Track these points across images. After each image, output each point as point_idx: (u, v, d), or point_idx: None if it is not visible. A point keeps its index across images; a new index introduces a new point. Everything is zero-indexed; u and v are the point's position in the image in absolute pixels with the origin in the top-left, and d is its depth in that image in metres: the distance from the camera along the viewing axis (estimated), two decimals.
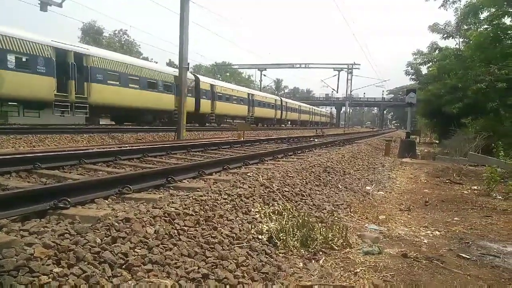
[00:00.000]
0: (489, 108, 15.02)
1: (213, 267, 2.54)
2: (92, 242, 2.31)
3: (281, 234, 3.38)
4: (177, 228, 2.89)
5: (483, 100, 15.48)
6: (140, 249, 2.44)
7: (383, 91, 77.48)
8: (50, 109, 15.40)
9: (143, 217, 2.81)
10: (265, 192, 4.47)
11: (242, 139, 13.74)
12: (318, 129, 34.82)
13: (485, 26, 13.95)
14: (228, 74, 74.77)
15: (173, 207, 3.17)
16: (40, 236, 2.39)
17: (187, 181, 5.03)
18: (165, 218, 2.93)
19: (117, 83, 18.37)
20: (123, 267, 2.23)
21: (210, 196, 3.75)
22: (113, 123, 21.90)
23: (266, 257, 2.97)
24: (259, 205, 4.02)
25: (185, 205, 3.31)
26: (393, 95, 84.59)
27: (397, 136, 30.46)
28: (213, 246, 2.82)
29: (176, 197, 3.71)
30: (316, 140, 16.41)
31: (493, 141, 11.71)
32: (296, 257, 3.16)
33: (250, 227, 3.43)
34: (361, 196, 6.07)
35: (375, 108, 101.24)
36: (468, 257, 3.44)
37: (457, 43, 19.46)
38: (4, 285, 1.83)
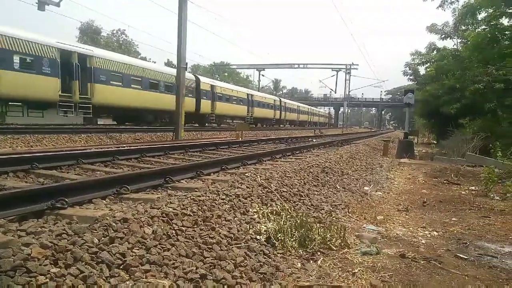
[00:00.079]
0: (486, 109, 15.06)
1: (211, 268, 2.54)
2: (89, 242, 2.30)
3: (279, 235, 3.38)
4: (175, 228, 2.88)
5: (480, 100, 15.52)
6: (138, 250, 2.44)
7: (381, 91, 77.68)
8: (53, 109, 15.64)
9: (141, 218, 2.80)
10: (263, 193, 4.47)
11: (240, 139, 13.73)
12: (316, 129, 34.86)
13: (483, 27, 13.98)
14: (226, 74, 74.74)
15: (171, 207, 3.17)
16: (37, 236, 2.37)
17: (185, 181, 5.02)
18: (163, 219, 2.93)
19: (120, 83, 18.67)
20: (121, 267, 2.22)
21: (208, 196, 3.75)
22: (115, 123, 22.05)
23: (264, 258, 2.97)
24: (257, 206, 4.02)
25: (183, 205, 3.30)
26: (391, 96, 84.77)
27: (395, 136, 30.49)
28: (211, 247, 2.82)
29: (174, 197, 3.71)
30: (314, 140, 16.42)
31: (491, 141, 11.75)
32: (294, 258, 3.16)
33: (248, 227, 3.43)
34: (359, 197, 6.08)
35: (373, 108, 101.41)
36: (465, 257, 3.44)
37: (455, 44, 19.50)
38: (1, 286, 1.82)
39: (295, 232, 3.48)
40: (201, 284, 2.32)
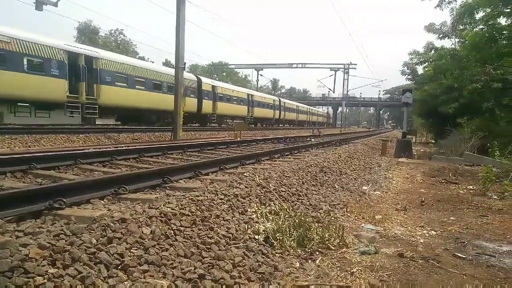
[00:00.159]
0: (484, 108, 15.10)
1: (209, 268, 2.54)
2: (87, 243, 2.30)
3: (278, 234, 3.38)
4: (174, 228, 2.88)
5: (478, 100, 15.57)
6: (136, 250, 2.43)
7: (379, 91, 77.84)
8: (60, 110, 15.98)
9: (139, 218, 2.80)
10: (261, 192, 4.47)
11: (239, 139, 13.73)
12: (315, 129, 34.90)
13: (481, 26, 14.01)
14: (224, 74, 74.68)
15: (169, 208, 3.16)
16: (35, 236, 2.37)
17: (184, 181, 5.02)
18: (161, 219, 2.93)
19: (125, 84, 19.15)
20: (119, 267, 2.21)
21: (207, 196, 3.74)
22: (119, 122, 22.34)
23: (263, 257, 2.97)
24: (255, 205, 4.02)
25: (182, 205, 3.30)
26: (389, 95, 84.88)
27: (394, 136, 30.57)
28: (209, 247, 2.81)
29: (172, 197, 3.70)
30: (312, 140, 16.43)
31: (489, 141, 11.75)
32: (293, 257, 3.16)
33: (246, 227, 3.43)
34: (358, 196, 6.08)
35: (372, 108, 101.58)
36: (464, 256, 3.45)
37: (452, 43, 19.56)
38: None
39: (293, 232, 3.48)
40: (199, 284, 2.32)
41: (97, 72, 17.32)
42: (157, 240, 2.63)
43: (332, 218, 4.44)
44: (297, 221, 3.67)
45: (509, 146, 9.93)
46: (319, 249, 3.37)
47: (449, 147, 14.57)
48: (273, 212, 3.98)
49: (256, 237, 3.31)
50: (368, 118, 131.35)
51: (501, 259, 3.46)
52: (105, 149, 7.80)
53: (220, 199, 3.81)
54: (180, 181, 4.96)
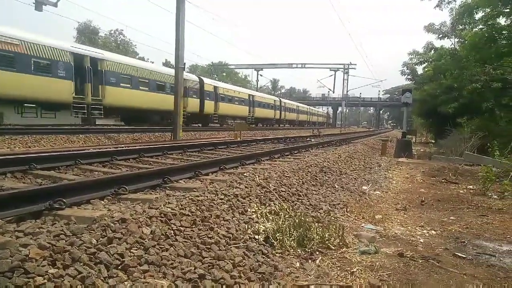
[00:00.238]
0: (484, 108, 15.11)
1: (209, 268, 2.54)
2: (87, 243, 2.30)
3: (278, 234, 3.38)
4: (174, 228, 2.88)
5: (478, 100, 15.58)
6: (136, 250, 2.43)
7: (379, 91, 77.83)
8: (65, 110, 16.31)
9: (139, 218, 2.80)
10: (261, 192, 4.47)
11: (239, 139, 13.72)
12: (315, 129, 34.89)
13: (480, 26, 14.02)
14: (224, 74, 74.65)
15: (169, 208, 3.16)
16: (35, 237, 2.37)
17: (184, 181, 5.02)
18: (162, 219, 2.93)
19: (129, 85, 19.51)
20: (119, 267, 2.22)
21: (207, 196, 3.74)
22: (122, 123, 22.55)
23: (263, 257, 2.97)
24: (255, 205, 4.02)
25: (182, 205, 3.30)
26: (389, 95, 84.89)
27: (393, 136, 30.56)
28: (209, 247, 2.81)
29: (173, 197, 3.71)
30: (312, 140, 16.43)
31: (488, 140, 11.77)
32: (293, 257, 3.16)
33: (246, 227, 3.43)
34: (358, 196, 6.08)
35: (371, 108, 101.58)
36: (464, 256, 3.45)
37: (452, 43, 19.56)
38: None
39: (293, 232, 3.48)
40: (199, 284, 2.32)
41: (102, 73, 17.65)
42: (157, 240, 2.63)
43: (332, 218, 4.44)
44: (297, 221, 3.67)
45: (509, 145, 9.94)
46: (319, 249, 3.37)
47: (449, 147, 14.58)
48: (273, 212, 3.98)
49: (256, 237, 3.31)
50: (368, 118, 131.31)
51: (501, 258, 3.46)
52: (105, 150, 7.80)
53: (220, 199, 3.81)
54: (180, 181, 4.96)
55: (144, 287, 2.10)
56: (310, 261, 3.13)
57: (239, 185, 4.45)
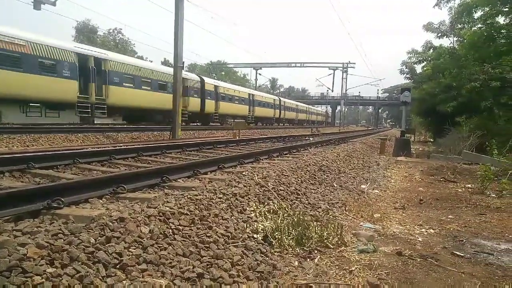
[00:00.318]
0: (483, 107, 15.13)
1: (208, 267, 2.54)
2: (86, 242, 2.29)
3: (276, 233, 3.39)
4: (172, 227, 2.88)
5: (477, 98, 15.60)
6: (134, 249, 2.43)
7: (378, 90, 77.90)
8: (70, 110, 16.71)
9: (137, 217, 2.80)
10: (260, 191, 4.47)
11: (237, 138, 13.72)
12: (313, 128, 34.91)
13: (479, 25, 14.03)
14: (223, 73, 74.59)
15: (168, 207, 3.16)
16: (33, 236, 2.36)
17: (182, 180, 5.01)
18: (160, 218, 2.92)
19: (132, 85, 19.78)
20: (117, 267, 2.21)
21: (205, 195, 3.74)
22: (122, 122, 22.55)
23: (261, 256, 2.97)
24: (254, 204, 4.02)
25: (180, 204, 3.30)
26: (388, 94, 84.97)
27: (392, 134, 30.59)
28: (208, 246, 2.81)
29: (171, 196, 3.70)
30: (311, 139, 16.43)
31: (487, 139, 11.80)
32: (291, 256, 3.16)
33: (245, 226, 3.43)
34: (356, 195, 6.09)
35: (370, 107, 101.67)
36: (462, 255, 3.46)
37: (451, 42, 19.58)
38: None
39: (292, 231, 3.48)
40: (198, 283, 2.31)
41: (106, 73, 17.94)
42: (155, 239, 2.63)
43: (331, 216, 4.44)
44: (295, 220, 3.67)
45: (507, 144, 9.96)
46: (318, 248, 3.37)
47: (448, 145, 14.61)
48: (271, 211, 3.98)
49: (255, 236, 3.31)
50: (367, 117, 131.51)
51: (499, 257, 3.46)
52: (103, 149, 7.79)
53: (219, 198, 3.81)
54: (178, 180, 4.95)
55: (142, 286, 2.10)
56: (308, 260, 3.13)
57: (238, 184, 4.45)
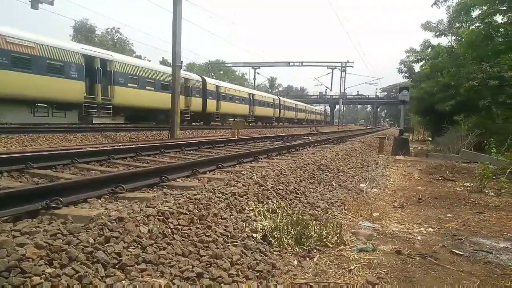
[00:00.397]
0: (481, 106, 15.15)
1: (207, 266, 2.53)
2: (85, 242, 2.29)
3: (276, 232, 3.38)
4: (171, 227, 2.87)
5: (475, 97, 15.63)
6: (133, 249, 2.43)
7: (376, 89, 77.95)
8: (76, 110, 17.20)
9: (136, 217, 2.79)
10: (259, 190, 4.47)
11: (236, 138, 13.71)
12: (312, 127, 34.92)
13: (477, 24, 14.03)
14: (221, 72, 74.54)
15: (166, 206, 3.15)
16: (32, 236, 2.36)
17: (181, 180, 5.01)
18: (159, 217, 2.92)
19: (136, 85, 20.21)
20: (117, 267, 2.21)
21: (204, 194, 3.74)
22: (124, 122, 22.66)
23: (261, 255, 2.97)
24: (253, 204, 4.02)
25: (179, 204, 3.29)
26: (386, 93, 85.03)
27: (391, 133, 30.61)
28: (207, 245, 2.81)
29: (170, 196, 3.70)
30: (310, 138, 16.44)
31: (485, 138, 11.82)
32: (291, 255, 3.16)
33: (244, 225, 3.43)
34: (355, 194, 6.09)
35: (369, 106, 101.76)
36: (461, 253, 3.46)
37: (449, 41, 19.57)
38: None
39: (291, 230, 3.48)
40: (197, 282, 2.31)
41: (111, 74, 18.40)
42: (154, 239, 2.62)
43: (330, 216, 4.44)
44: (294, 219, 3.67)
45: (506, 143, 9.97)
46: (317, 247, 3.37)
47: (446, 144, 14.62)
48: (270, 210, 3.98)
49: (254, 235, 3.31)
50: (365, 116, 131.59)
51: (498, 255, 3.47)
52: (102, 148, 7.77)
53: (218, 197, 3.80)
54: (177, 179, 4.94)
55: (141, 286, 2.10)
56: (307, 259, 3.13)
57: (237, 183, 4.45)
